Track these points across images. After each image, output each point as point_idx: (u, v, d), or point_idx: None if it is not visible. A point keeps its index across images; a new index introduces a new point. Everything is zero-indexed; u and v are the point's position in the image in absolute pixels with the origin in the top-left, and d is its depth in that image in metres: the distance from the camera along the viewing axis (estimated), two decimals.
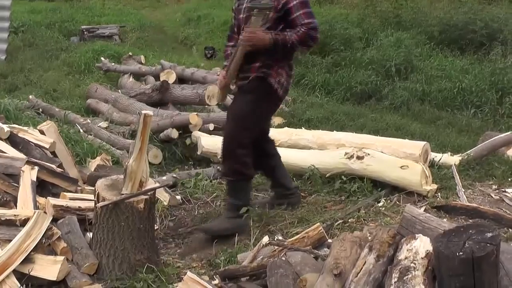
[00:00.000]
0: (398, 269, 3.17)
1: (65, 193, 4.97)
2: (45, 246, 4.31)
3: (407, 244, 3.33)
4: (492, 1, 16.17)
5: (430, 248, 3.25)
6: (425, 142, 6.21)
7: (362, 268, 3.33)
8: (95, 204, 4.33)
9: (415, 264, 3.16)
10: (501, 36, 12.70)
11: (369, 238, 3.62)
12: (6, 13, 13.81)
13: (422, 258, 3.20)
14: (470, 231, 3.05)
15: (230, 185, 5.27)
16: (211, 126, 7.83)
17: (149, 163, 6.14)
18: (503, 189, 5.84)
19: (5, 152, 5.26)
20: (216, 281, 3.99)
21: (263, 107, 5.14)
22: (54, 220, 4.52)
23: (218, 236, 5.06)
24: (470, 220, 5.15)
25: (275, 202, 5.58)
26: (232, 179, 5.18)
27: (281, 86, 5.07)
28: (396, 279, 3.11)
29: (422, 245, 3.28)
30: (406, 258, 3.22)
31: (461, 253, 2.92)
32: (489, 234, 2.97)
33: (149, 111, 5.88)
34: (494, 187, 5.94)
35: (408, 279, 3.07)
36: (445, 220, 4.74)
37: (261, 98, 5.04)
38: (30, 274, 4.11)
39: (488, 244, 2.91)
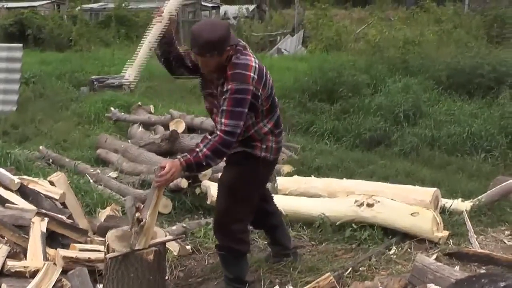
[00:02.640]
0: None
1: (75, 244, 4.96)
2: None
3: None
4: (498, 45, 16.25)
5: None
6: (435, 189, 6.19)
7: None
8: (105, 255, 4.32)
9: None
10: (509, 80, 12.68)
11: (380, 287, 3.59)
12: (18, 65, 14.00)
13: None
14: (483, 280, 3.02)
15: (223, 259, 5.00)
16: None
17: (159, 213, 6.15)
18: None
19: (15, 204, 5.28)
20: None
21: (254, 176, 4.79)
22: (64, 271, 4.50)
23: None
24: (483, 267, 5.10)
25: (272, 261, 5.45)
26: (223, 253, 4.93)
27: (270, 151, 4.74)
28: None
29: None
30: None
31: None
32: (502, 284, 2.94)
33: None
34: (506, 232, 5.90)
35: None
36: (457, 268, 4.69)
37: (251, 169, 4.71)
38: None
39: None
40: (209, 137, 4.36)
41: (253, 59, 4.48)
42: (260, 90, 4.46)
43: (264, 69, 4.54)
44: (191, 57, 4.76)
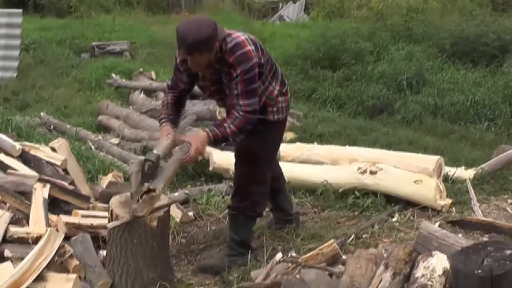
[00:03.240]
0: (415, 287, 3.12)
1: (77, 210, 4.95)
2: (58, 264, 4.28)
3: (423, 262, 3.28)
4: (504, 13, 16.12)
5: (447, 265, 3.20)
6: (439, 156, 6.17)
7: (378, 286, 3.29)
8: (108, 221, 4.31)
9: (432, 282, 3.11)
10: None
11: (385, 255, 3.57)
12: (17, 31, 13.91)
13: (439, 275, 3.15)
14: (489, 248, 3.00)
15: (234, 220, 4.99)
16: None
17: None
18: None
19: (17, 170, 5.26)
20: None
21: (270, 139, 4.84)
22: (67, 238, 4.49)
23: (216, 273, 4.82)
24: (486, 235, 5.09)
25: (275, 227, 5.45)
26: (236, 214, 4.93)
27: (281, 111, 4.79)
28: None
29: (439, 262, 3.23)
30: (423, 275, 3.17)
31: (479, 271, 2.87)
32: (508, 252, 2.92)
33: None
34: (509, 201, 5.88)
35: None
36: (461, 236, 4.68)
37: (266, 134, 4.73)
38: None
39: (507, 262, 2.86)
40: (236, 113, 4.42)
41: (239, 33, 4.54)
42: (261, 56, 4.53)
43: (251, 35, 4.63)
44: (183, 77, 4.75)
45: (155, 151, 4.33)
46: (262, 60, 4.53)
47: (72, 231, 4.58)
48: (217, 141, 4.51)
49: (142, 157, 4.29)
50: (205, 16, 5.33)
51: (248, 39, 4.50)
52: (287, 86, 4.90)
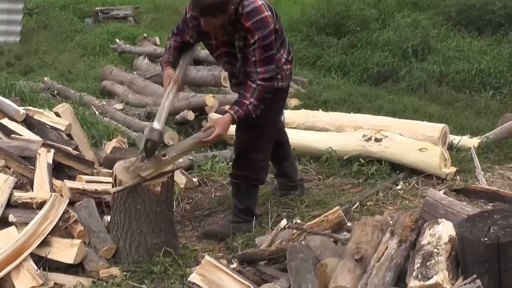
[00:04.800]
0: (421, 254, 3.12)
1: (81, 175, 4.94)
2: (62, 229, 4.29)
3: (429, 229, 3.28)
4: None
5: (453, 233, 3.20)
6: (444, 125, 6.16)
7: (384, 253, 3.29)
8: (112, 186, 4.31)
9: (438, 249, 3.11)
10: None
11: (391, 222, 3.57)
12: None
13: (445, 243, 3.15)
14: (495, 216, 3.00)
15: (236, 188, 4.98)
16: (227, 108, 7.76)
17: (165, 144, 6.13)
18: None
19: (21, 135, 5.25)
20: (234, 265, 3.94)
21: (272, 106, 4.72)
22: (71, 203, 4.49)
23: (221, 239, 4.84)
24: (490, 204, 5.11)
25: (279, 193, 5.43)
26: (239, 182, 4.90)
27: (285, 78, 4.77)
28: (419, 265, 3.05)
29: (445, 230, 3.23)
30: (429, 243, 3.17)
31: (486, 238, 2.87)
32: None
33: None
34: None
35: (431, 265, 3.02)
36: (466, 203, 4.68)
37: (269, 101, 4.59)
38: (47, 257, 4.10)
39: None
40: (253, 85, 4.42)
41: None
42: (276, 23, 4.53)
43: (266, 1, 4.56)
44: (190, 32, 4.71)
45: (156, 126, 4.27)
46: (277, 26, 4.52)
47: (77, 196, 4.58)
48: (240, 118, 4.47)
49: (155, 124, 4.26)
50: None
51: (265, 4, 4.46)
52: (292, 54, 4.87)
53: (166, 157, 4.24)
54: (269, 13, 4.42)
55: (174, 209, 5.11)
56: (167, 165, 4.32)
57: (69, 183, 4.67)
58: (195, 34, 4.68)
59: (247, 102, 4.43)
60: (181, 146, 4.48)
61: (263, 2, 4.48)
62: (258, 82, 4.41)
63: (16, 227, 4.24)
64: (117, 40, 12.31)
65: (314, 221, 4.26)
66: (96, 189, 4.71)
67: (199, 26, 4.55)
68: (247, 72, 4.52)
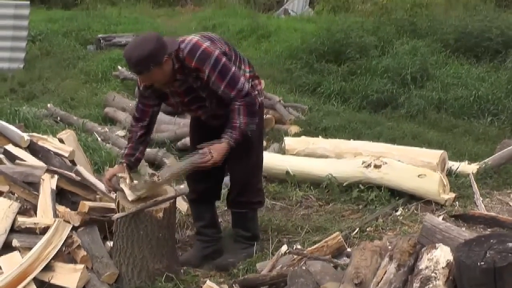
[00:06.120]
0: (419, 278, 3.16)
1: (84, 201, 4.99)
2: (65, 254, 4.33)
3: (427, 254, 3.32)
4: (507, 9, 16.10)
5: (451, 257, 3.24)
6: (442, 151, 6.22)
7: (382, 277, 3.33)
8: (116, 211, 4.37)
9: (436, 273, 3.15)
10: None
11: (389, 247, 3.62)
12: (25, 22, 13.90)
13: (443, 267, 3.19)
14: (492, 240, 3.04)
15: (240, 217, 4.99)
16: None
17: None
18: None
19: (25, 161, 5.30)
20: None
21: (260, 123, 4.80)
22: (74, 228, 4.54)
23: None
24: (489, 229, 5.14)
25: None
26: (245, 210, 4.93)
27: (261, 93, 4.85)
28: None
29: (442, 254, 3.27)
30: (427, 267, 3.22)
31: (482, 263, 2.91)
32: (511, 244, 2.96)
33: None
34: None
35: None
36: (464, 229, 4.72)
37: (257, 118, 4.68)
38: (50, 282, 4.14)
39: (510, 254, 2.90)
40: (235, 106, 4.43)
41: (191, 36, 4.52)
42: (222, 46, 4.54)
43: (204, 33, 4.67)
44: (149, 102, 4.71)
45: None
46: (223, 50, 4.51)
47: (88, 216, 4.63)
48: (237, 141, 4.46)
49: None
50: (150, 31, 5.15)
51: (202, 38, 4.49)
52: (253, 68, 4.85)
53: (160, 178, 4.30)
54: (207, 43, 4.43)
55: (175, 235, 5.16)
56: (160, 186, 4.38)
57: (89, 203, 4.76)
58: (156, 100, 4.69)
59: (238, 123, 4.44)
60: (175, 168, 4.54)
61: (199, 36, 4.52)
62: (238, 102, 4.42)
63: (20, 252, 4.28)
64: (119, 67, 12.36)
65: (315, 246, 4.32)
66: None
67: (155, 91, 4.57)
68: (220, 104, 4.54)
